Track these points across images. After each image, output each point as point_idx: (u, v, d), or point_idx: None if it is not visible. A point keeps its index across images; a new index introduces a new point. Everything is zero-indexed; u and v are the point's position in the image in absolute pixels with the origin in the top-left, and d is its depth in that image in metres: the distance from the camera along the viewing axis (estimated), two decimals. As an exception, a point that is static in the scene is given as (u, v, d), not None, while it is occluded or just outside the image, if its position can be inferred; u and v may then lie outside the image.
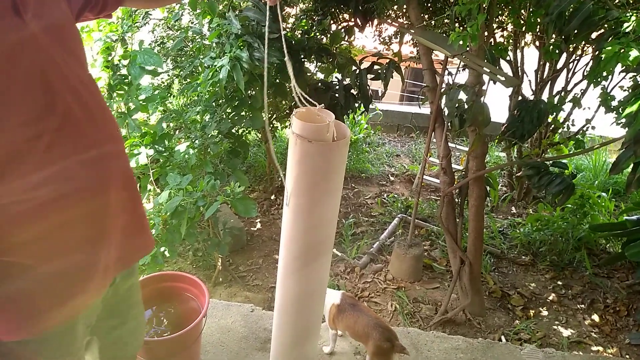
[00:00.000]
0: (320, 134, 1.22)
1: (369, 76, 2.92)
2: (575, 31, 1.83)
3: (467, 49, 2.25)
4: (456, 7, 2.02)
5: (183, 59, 3.47)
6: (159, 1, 1.43)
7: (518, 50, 3.89)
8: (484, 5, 2.00)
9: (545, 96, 3.93)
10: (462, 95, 2.38)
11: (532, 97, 3.82)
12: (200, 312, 1.80)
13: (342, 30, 3.13)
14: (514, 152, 4.46)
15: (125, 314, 1.20)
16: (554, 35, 2.79)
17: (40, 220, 0.85)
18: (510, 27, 3.68)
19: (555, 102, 2.59)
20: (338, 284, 3.10)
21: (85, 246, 0.95)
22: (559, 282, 3.30)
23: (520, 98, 3.46)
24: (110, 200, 0.96)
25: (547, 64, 3.86)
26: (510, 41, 3.83)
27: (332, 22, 3.13)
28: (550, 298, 3.13)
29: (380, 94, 3.08)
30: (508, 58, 3.79)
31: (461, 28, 2.69)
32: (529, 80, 3.99)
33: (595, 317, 2.96)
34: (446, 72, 2.62)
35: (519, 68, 3.95)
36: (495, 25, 3.35)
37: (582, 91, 3.40)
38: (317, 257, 1.42)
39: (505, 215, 4.29)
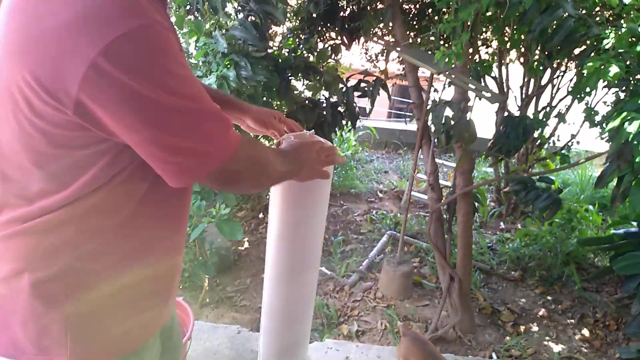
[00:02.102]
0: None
1: (356, 94, 2.93)
2: (558, 48, 1.85)
3: (452, 66, 2.27)
4: (440, 25, 2.04)
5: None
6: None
7: (503, 67, 3.94)
8: (468, 23, 2.02)
9: (531, 112, 3.97)
10: (449, 112, 2.39)
11: (518, 113, 3.85)
12: (184, 334, 1.76)
13: (329, 48, 3.16)
14: (501, 167, 4.49)
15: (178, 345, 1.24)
16: (537, 52, 2.83)
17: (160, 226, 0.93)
18: (495, 44, 3.73)
19: (541, 118, 2.61)
20: (327, 303, 3.06)
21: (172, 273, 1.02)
22: (549, 297, 3.30)
23: (506, 114, 3.49)
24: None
25: (532, 80, 3.91)
26: (495, 58, 3.88)
27: (319, 40, 3.15)
28: (540, 313, 3.12)
29: (368, 111, 3.09)
30: (493, 74, 3.83)
31: (446, 45, 2.72)
32: (515, 96, 4.03)
33: (586, 332, 2.95)
34: (432, 89, 2.64)
35: (504, 84, 4.00)
36: (479, 43, 3.39)
37: (566, 106, 3.44)
38: (303, 272, 1.40)
39: (494, 231, 4.30)
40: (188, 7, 2.65)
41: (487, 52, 3.80)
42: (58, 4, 0.66)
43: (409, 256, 3.58)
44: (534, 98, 3.98)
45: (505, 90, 4.00)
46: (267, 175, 0.98)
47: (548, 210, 2.34)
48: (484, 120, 3.65)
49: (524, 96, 3.99)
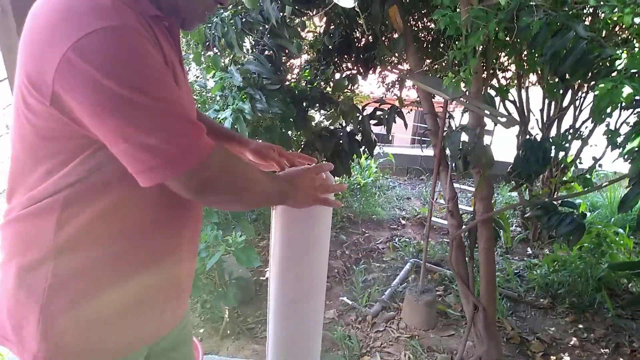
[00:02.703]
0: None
1: (372, 122, 2.94)
2: (571, 70, 1.82)
3: (466, 91, 2.26)
4: (451, 51, 2.04)
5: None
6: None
7: (523, 90, 3.90)
8: (482, 47, 2.01)
9: (554, 135, 3.90)
10: (466, 138, 2.37)
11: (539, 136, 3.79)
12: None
13: (346, 78, 3.19)
14: (525, 191, 4.40)
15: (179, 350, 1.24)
16: (553, 75, 2.79)
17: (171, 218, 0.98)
18: (513, 67, 3.71)
19: (561, 141, 2.56)
20: (349, 334, 3.01)
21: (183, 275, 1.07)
22: (580, 326, 3.16)
23: (527, 137, 3.43)
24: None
25: (553, 103, 3.85)
26: (515, 82, 3.85)
27: (335, 70, 3.19)
28: (572, 343, 2.99)
29: (391, 138, 3.10)
30: (512, 98, 3.79)
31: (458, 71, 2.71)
32: (536, 120, 3.97)
33: (622, 363, 2.82)
34: (447, 115, 2.63)
35: (525, 108, 3.94)
36: (497, 67, 3.37)
37: (589, 129, 3.37)
38: (306, 300, 1.38)
39: (520, 257, 4.18)
40: (207, 43, 2.74)
41: (504, 77, 3.77)
42: (45, 9, 0.77)
43: (432, 284, 3.51)
44: (556, 120, 3.91)
45: (526, 113, 3.94)
46: (249, 190, 0.97)
47: (572, 236, 2.27)
48: (508, 143, 3.60)
49: (545, 119, 3.92)
